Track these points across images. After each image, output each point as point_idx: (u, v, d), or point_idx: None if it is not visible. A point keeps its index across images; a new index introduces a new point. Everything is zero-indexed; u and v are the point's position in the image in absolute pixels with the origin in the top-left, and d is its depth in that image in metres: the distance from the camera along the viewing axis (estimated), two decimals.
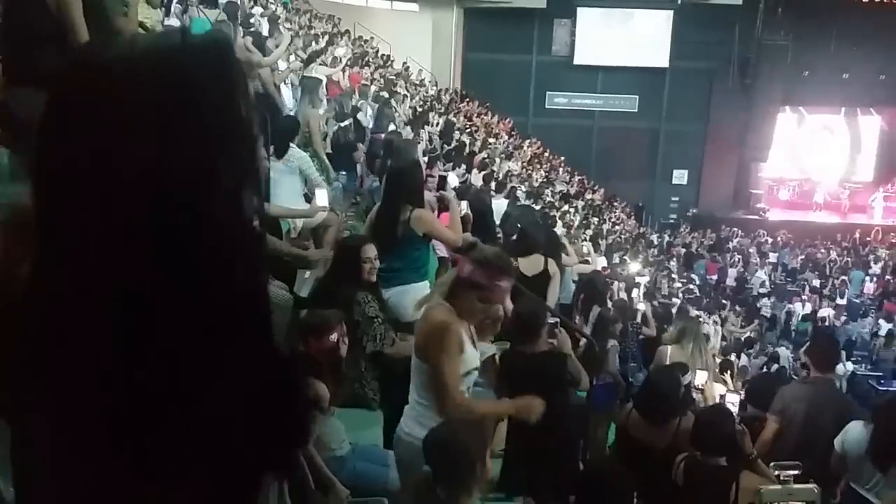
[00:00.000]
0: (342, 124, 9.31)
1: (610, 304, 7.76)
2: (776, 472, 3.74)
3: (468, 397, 3.07)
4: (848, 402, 5.26)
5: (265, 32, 9.71)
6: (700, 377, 6.01)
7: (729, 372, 7.98)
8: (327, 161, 8.10)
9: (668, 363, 6.12)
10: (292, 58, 10.05)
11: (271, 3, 14.20)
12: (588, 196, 22.01)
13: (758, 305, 19.11)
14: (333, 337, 3.53)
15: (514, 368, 4.21)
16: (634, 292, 9.58)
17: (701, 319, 10.89)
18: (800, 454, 4.22)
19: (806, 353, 5.33)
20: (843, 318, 18.11)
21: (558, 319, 4.71)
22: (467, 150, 13.36)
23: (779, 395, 5.00)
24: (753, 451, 4.09)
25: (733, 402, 5.27)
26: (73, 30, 3.05)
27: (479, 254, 3.11)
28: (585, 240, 12.71)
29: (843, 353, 12.94)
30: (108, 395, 0.73)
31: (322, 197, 5.58)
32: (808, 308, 18.46)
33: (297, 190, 6.07)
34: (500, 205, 9.19)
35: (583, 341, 5.61)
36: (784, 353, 14.38)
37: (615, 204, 24.75)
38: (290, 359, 0.94)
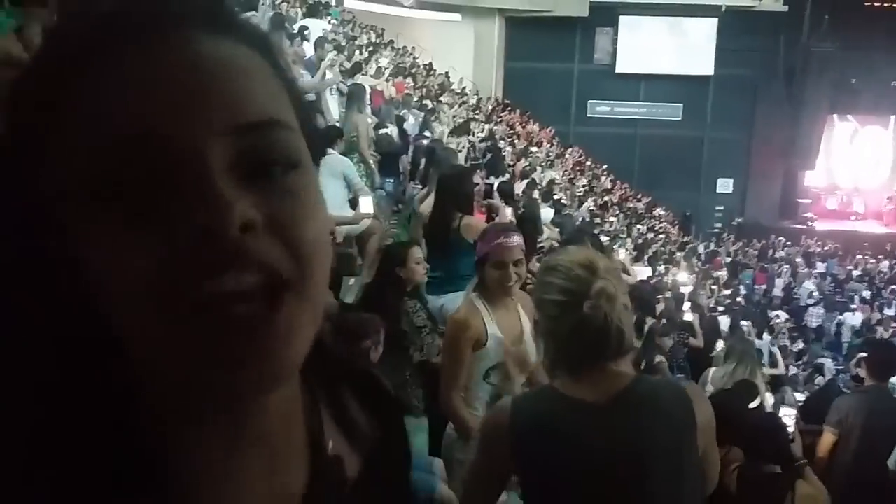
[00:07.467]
0: (382, 131, 9.34)
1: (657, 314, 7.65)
2: None
3: (461, 406, 3.05)
4: None
5: (313, 45, 9.74)
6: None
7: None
8: (373, 166, 8.13)
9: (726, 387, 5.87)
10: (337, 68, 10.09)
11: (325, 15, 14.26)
12: (630, 205, 21.78)
13: (806, 316, 18.73)
14: (366, 345, 3.44)
15: None
16: (685, 305, 9.43)
17: (750, 337, 10.50)
18: (859, 465, 4.10)
19: (864, 360, 5.19)
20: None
21: None
22: (507, 159, 13.32)
23: (834, 406, 4.89)
24: (804, 459, 3.96)
25: (789, 414, 5.14)
26: None
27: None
28: (626, 249, 12.56)
29: None
30: None
31: (367, 204, 5.59)
32: (860, 319, 18.00)
33: (340, 195, 6.07)
34: (545, 213, 9.15)
35: None
36: (829, 364, 13.99)
37: (657, 213, 24.44)
38: None
